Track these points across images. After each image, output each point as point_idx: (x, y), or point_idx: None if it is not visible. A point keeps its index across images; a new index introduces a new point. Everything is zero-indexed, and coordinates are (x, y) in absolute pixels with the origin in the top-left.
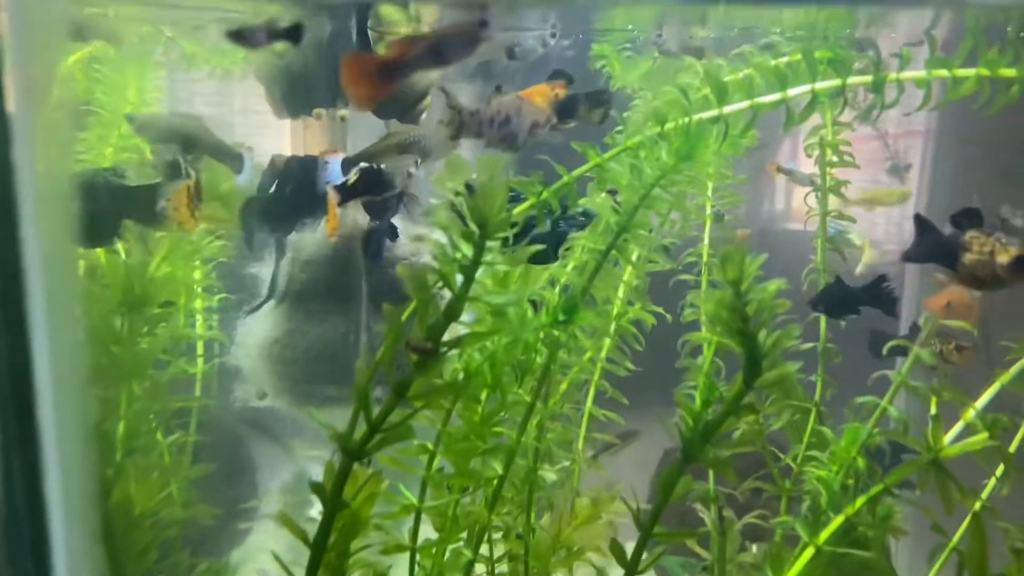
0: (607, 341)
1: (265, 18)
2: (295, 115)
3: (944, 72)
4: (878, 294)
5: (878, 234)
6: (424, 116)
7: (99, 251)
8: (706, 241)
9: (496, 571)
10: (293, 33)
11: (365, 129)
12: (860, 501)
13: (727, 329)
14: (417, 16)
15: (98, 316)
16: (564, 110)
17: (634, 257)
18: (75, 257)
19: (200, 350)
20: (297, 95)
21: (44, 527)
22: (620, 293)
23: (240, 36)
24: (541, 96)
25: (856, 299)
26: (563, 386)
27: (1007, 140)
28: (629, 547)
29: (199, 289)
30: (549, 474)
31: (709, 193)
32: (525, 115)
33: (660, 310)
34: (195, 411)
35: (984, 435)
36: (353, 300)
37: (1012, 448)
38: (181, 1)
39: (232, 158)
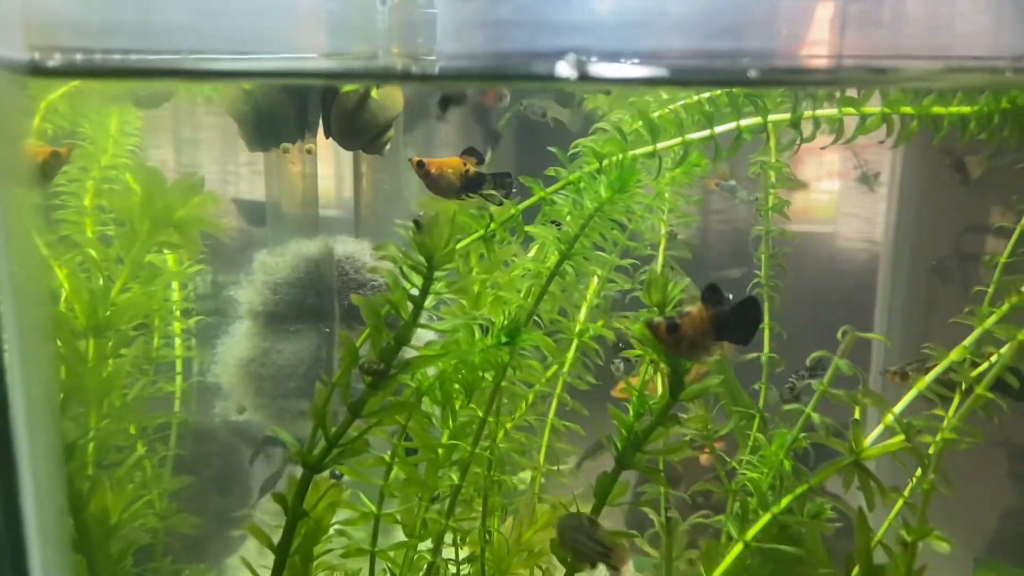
0: (569, 356)
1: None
2: (264, 148)
3: (852, 110)
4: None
5: (852, 230)
6: (388, 147)
7: (62, 276)
8: (660, 260)
9: (461, 573)
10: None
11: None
12: (786, 500)
13: (653, 348)
14: None
15: (67, 340)
16: (471, 186)
17: (595, 279)
18: (45, 296)
19: (179, 368)
20: (266, 130)
21: (21, 540)
22: (582, 313)
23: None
24: (453, 169)
25: None
26: (529, 398)
27: (971, 148)
28: None
29: (176, 312)
30: (517, 481)
31: (665, 216)
32: None
33: (623, 327)
34: (175, 425)
35: (900, 438)
36: (325, 321)
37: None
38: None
39: None
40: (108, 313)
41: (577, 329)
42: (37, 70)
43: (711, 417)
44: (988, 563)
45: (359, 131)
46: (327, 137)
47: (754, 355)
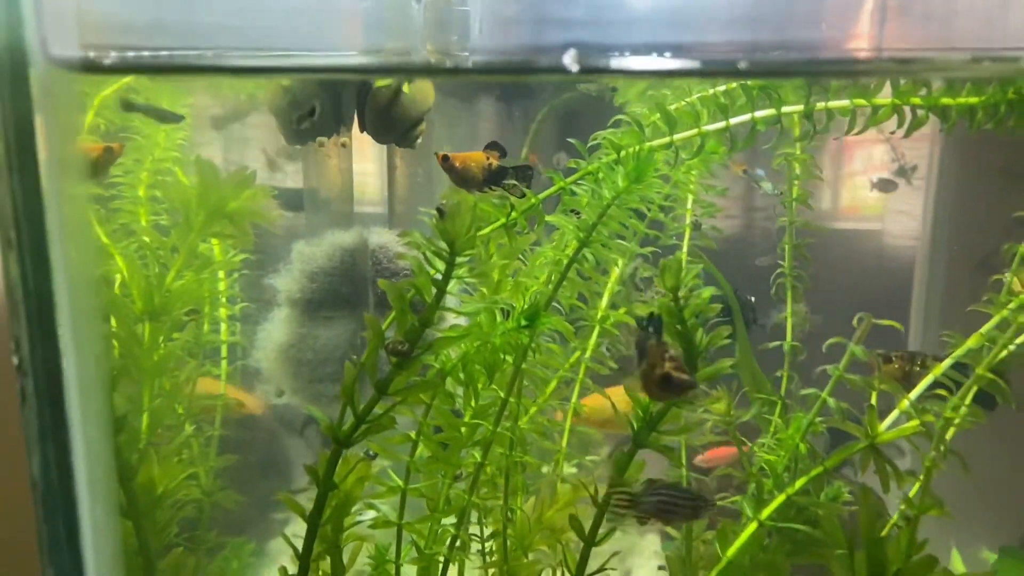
0: (591, 342)
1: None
2: (302, 143)
3: (863, 101)
4: None
5: (896, 226)
6: (419, 141)
7: (120, 263)
8: (684, 248)
9: (484, 547)
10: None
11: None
12: (800, 481)
13: (668, 331)
14: None
15: (123, 323)
16: (493, 178)
17: (618, 266)
18: (94, 280)
19: (224, 353)
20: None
21: (73, 499)
22: (604, 300)
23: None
24: (476, 162)
25: None
26: (552, 384)
27: (1006, 138)
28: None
29: (223, 299)
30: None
31: (689, 205)
32: None
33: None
34: (220, 407)
35: (915, 422)
36: (359, 308)
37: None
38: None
39: None
40: (163, 299)
41: (599, 316)
42: (91, 67)
43: (732, 403)
44: (1012, 550)
45: (392, 125)
46: (361, 131)
47: (776, 344)
